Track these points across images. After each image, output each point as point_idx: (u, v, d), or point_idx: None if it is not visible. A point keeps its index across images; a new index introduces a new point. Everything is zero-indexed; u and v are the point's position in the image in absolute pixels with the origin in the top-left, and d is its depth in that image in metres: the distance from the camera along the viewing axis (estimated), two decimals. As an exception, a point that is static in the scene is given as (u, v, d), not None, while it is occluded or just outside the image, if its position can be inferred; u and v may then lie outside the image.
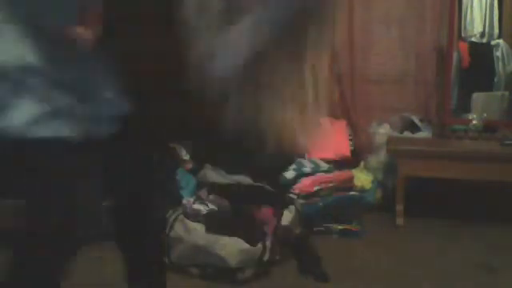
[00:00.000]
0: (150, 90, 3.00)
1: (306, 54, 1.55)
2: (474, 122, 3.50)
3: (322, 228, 3.06)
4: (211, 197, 2.83)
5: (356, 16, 3.80)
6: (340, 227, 3.06)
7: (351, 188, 3.26)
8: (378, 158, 3.58)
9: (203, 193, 2.87)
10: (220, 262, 2.47)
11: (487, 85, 3.80)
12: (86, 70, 1.61)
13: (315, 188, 3.12)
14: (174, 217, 2.69)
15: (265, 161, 2.99)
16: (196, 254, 2.52)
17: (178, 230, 2.61)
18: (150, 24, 3.27)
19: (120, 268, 1.84)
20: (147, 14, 3.30)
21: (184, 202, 2.81)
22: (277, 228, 2.67)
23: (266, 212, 2.74)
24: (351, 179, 3.29)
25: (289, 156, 3.43)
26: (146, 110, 1.81)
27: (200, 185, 3.21)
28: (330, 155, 3.51)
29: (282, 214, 2.75)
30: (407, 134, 3.64)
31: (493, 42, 3.76)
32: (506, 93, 3.74)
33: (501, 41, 3.75)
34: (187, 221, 2.63)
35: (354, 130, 3.80)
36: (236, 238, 2.51)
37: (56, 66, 1.52)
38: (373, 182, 3.51)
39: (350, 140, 3.70)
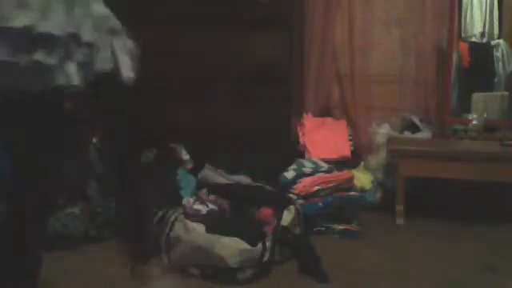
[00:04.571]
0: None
1: None
2: (474, 122, 3.49)
3: (322, 228, 3.05)
4: (211, 197, 2.83)
5: (356, 16, 3.80)
6: (340, 227, 3.06)
7: (351, 188, 3.25)
8: (378, 158, 3.58)
9: (203, 193, 2.87)
10: (220, 262, 2.47)
11: (487, 85, 3.79)
12: None
13: (315, 188, 3.11)
14: (174, 217, 2.69)
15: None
16: (196, 254, 2.52)
17: (178, 229, 2.61)
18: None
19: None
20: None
21: (184, 202, 2.81)
22: (277, 228, 2.68)
23: (265, 212, 2.74)
24: (351, 179, 3.28)
25: (289, 156, 3.44)
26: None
27: (200, 185, 3.21)
28: (330, 155, 3.51)
29: (282, 214, 2.75)
30: (407, 133, 3.63)
31: (493, 42, 3.76)
32: (506, 93, 3.74)
33: (501, 41, 3.75)
34: (187, 221, 2.63)
35: (354, 130, 3.80)
36: (236, 238, 2.51)
37: None
38: (373, 182, 3.51)
39: (350, 140, 3.70)
